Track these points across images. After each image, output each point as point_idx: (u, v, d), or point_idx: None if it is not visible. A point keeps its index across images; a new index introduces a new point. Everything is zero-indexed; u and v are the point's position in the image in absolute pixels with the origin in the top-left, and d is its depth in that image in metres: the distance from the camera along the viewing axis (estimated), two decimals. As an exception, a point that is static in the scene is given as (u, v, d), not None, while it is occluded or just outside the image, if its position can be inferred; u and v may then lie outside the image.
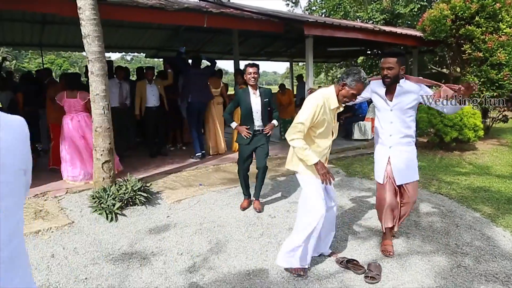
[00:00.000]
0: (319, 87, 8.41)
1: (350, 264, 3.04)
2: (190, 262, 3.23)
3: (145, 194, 4.51)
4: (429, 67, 13.81)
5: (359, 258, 3.20)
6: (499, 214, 4.25)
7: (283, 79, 40.86)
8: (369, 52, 14.81)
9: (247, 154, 4.38)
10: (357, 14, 16.40)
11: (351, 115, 8.81)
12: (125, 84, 6.80)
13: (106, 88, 4.59)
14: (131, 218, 4.20)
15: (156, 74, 7.73)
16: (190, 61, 6.92)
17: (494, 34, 8.18)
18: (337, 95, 2.82)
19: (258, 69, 4.18)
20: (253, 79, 4.16)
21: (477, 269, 3.06)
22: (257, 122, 4.31)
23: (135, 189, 4.47)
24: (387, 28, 9.18)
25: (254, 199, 4.52)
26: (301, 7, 31.93)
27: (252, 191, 4.56)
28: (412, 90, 3.09)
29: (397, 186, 3.26)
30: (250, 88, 4.28)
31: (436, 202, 4.70)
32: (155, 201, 4.66)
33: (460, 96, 2.83)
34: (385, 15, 15.97)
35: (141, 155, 7.01)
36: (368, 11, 16.26)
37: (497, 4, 8.14)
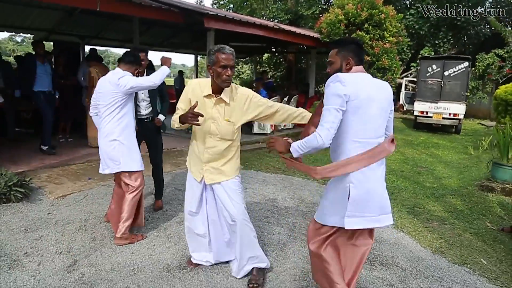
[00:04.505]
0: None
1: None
2: (70, 260, 3.01)
3: (22, 190, 4.08)
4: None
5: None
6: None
7: (191, 72, 40.40)
8: (274, 49, 15.30)
9: None
10: (263, 12, 16.83)
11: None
12: None
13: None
14: (3, 216, 3.77)
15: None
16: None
17: (380, 41, 9.05)
18: (212, 84, 2.58)
19: (147, 54, 3.98)
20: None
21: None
22: (144, 110, 3.96)
23: (9, 184, 4.01)
24: (287, 27, 9.56)
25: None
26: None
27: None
28: None
29: None
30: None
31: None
32: (35, 197, 4.25)
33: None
34: (289, 15, 16.65)
35: (27, 147, 6.32)
36: (273, 10, 16.80)
37: (382, 15, 9.01)
